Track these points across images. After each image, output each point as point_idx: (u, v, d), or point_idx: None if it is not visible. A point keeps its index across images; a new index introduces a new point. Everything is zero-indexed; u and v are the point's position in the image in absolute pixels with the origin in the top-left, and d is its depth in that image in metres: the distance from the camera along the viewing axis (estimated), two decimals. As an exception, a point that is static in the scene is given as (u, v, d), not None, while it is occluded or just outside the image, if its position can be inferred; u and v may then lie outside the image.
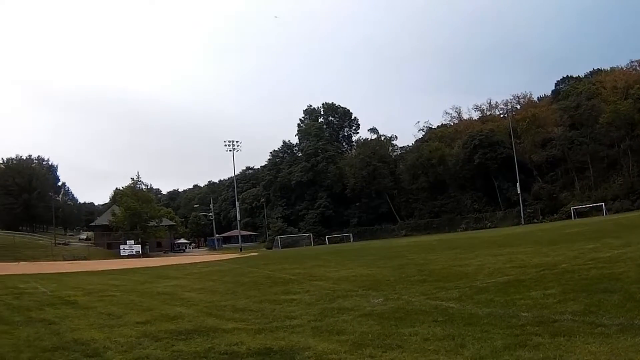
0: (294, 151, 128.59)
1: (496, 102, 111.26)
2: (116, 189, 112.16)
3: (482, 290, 11.55)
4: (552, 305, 8.84)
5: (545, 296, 9.73)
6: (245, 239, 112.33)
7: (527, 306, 8.94)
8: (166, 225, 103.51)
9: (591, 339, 6.39)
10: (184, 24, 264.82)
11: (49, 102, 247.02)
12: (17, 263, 57.49)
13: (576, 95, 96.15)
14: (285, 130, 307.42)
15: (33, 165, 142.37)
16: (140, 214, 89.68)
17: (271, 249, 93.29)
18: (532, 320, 7.75)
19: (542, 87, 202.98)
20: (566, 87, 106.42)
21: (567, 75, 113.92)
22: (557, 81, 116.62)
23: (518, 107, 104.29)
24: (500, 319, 8.10)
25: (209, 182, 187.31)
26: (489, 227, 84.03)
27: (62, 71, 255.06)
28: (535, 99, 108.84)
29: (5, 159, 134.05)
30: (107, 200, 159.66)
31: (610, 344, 6.11)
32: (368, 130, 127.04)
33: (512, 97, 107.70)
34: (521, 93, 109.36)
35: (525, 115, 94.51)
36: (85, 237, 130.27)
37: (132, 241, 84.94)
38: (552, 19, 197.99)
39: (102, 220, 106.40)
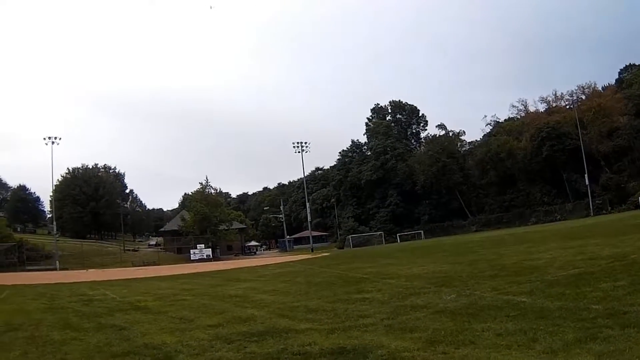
0: (363, 150, 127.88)
1: (561, 94, 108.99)
2: (185, 194, 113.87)
3: (553, 283, 11.56)
4: (622, 297, 8.82)
5: (615, 288, 9.72)
6: (316, 239, 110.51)
7: (597, 298, 8.94)
8: (236, 228, 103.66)
9: (661, 330, 6.32)
10: (252, 26, 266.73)
11: (115, 109, 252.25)
12: (85, 270, 58.48)
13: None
14: (354, 129, 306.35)
15: (99, 173, 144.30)
16: (209, 217, 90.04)
17: (342, 248, 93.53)
18: (603, 312, 7.77)
19: (606, 77, 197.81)
20: (630, 75, 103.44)
21: (630, 64, 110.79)
22: (621, 69, 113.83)
23: (583, 97, 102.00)
24: (571, 312, 8.12)
25: (278, 184, 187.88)
26: (559, 220, 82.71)
27: (128, 78, 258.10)
28: (600, 88, 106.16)
29: (71, 169, 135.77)
30: (176, 206, 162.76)
31: (681, 334, 6.05)
32: (436, 126, 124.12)
33: (576, 88, 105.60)
34: (585, 83, 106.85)
35: (591, 106, 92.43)
36: (154, 242, 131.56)
37: (203, 245, 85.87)
38: (613, 7, 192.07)
39: (172, 225, 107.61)
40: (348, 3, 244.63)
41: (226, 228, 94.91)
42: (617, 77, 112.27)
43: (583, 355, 5.78)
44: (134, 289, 24.18)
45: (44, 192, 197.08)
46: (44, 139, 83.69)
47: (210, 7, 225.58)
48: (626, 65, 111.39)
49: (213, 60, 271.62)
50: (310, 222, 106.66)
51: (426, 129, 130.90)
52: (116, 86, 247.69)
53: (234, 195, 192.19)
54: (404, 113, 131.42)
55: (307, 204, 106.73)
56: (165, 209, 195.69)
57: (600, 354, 5.73)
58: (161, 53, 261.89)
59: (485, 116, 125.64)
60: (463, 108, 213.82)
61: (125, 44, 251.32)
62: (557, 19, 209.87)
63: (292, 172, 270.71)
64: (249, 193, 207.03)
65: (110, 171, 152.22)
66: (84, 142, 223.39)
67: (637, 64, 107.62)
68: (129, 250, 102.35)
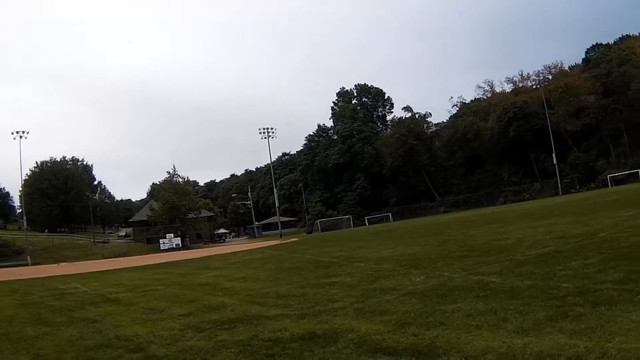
0: (329, 134, 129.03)
1: (528, 74, 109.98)
2: (153, 183, 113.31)
3: (523, 262, 11.58)
4: (593, 274, 8.84)
5: (586, 266, 9.76)
6: (285, 225, 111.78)
7: (567, 277, 8.96)
8: (205, 217, 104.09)
9: (632, 307, 6.39)
10: (220, 13, 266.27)
11: (81, 100, 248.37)
12: (57, 264, 58.15)
13: (607, 62, 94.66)
14: (320, 114, 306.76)
15: (68, 166, 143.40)
16: (178, 206, 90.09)
17: (311, 233, 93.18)
18: (573, 290, 7.78)
19: (572, 56, 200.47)
20: (596, 55, 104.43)
21: (597, 43, 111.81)
22: (587, 49, 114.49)
23: (550, 77, 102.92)
24: (541, 291, 8.14)
25: (246, 170, 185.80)
26: (527, 199, 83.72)
27: (93, 67, 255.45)
28: (567, 68, 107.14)
29: (39, 163, 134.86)
30: (144, 196, 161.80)
31: (652, 311, 6.09)
32: (402, 108, 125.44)
33: (543, 68, 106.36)
34: (552, 63, 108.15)
35: (558, 85, 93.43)
36: (124, 234, 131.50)
37: (172, 234, 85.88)
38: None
39: (141, 215, 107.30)
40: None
41: (195, 216, 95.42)
42: (584, 56, 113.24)
43: (554, 334, 5.78)
44: (105, 281, 23.95)
45: (14, 187, 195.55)
46: (12, 133, 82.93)
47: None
48: (593, 45, 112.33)
49: (179, 47, 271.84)
50: (279, 207, 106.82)
51: (392, 112, 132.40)
52: (82, 76, 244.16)
53: (201, 183, 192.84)
54: (369, 96, 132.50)
55: (275, 190, 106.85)
56: (133, 200, 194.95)
57: (571, 332, 5.75)
58: (128, 42, 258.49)
59: (452, 97, 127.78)
60: (430, 90, 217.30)
61: (91, 31, 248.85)
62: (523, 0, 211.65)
63: (259, 158, 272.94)
64: (217, 180, 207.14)
65: (79, 163, 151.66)
66: (52, 135, 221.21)
67: (604, 43, 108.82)
68: (99, 242, 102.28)
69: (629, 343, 5.17)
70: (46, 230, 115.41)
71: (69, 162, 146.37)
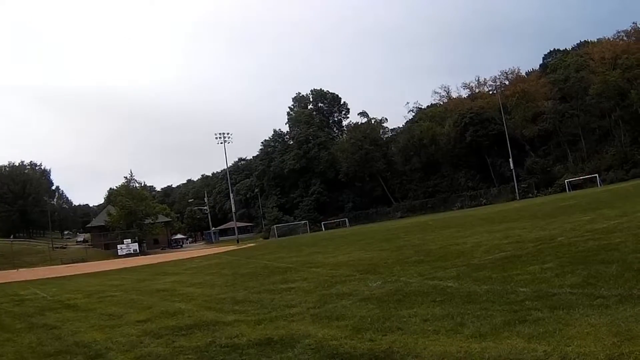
0: (285, 139, 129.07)
1: (484, 79, 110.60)
2: (110, 188, 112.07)
3: (480, 267, 11.63)
4: (551, 279, 8.91)
5: (543, 270, 9.81)
6: (242, 230, 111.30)
7: (525, 281, 8.99)
8: (162, 222, 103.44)
9: (590, 310, 6.42)
10: (170, 17, 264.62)
11: (37, 104, 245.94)
12: (16, 270, 57.30)
13: (564, 68, 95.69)
14: (276, 119, 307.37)
15: (26, 171, 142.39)
16: (135, 212, 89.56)
17: (268, 238, 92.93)
18: (531, 295, 7.82)
19: (529, 62, 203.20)
20: (554, 61, 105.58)
21: (555, 49, 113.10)
22: (545, 55, 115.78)
23: (507, 82, 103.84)
24: (498, 295, 8.15)
25: (202, 175, 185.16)
26: (484, 204, 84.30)
27: (50, 71, 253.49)
28: (524, 73, 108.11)
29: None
30: (101, 201, 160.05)
31: (610, 314, 6.14)
32: (358, 114, 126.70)
33: (500, 73, 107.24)
34: (509, 68, 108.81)
35: (515, 91, 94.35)
36: (82, 239, 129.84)
37: (129, 240, 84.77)
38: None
39: (98, 221, 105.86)
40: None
41: (152, 222, 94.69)
42: (541, 62, 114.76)
43: (512, 338, 5.79)
44: (64, 287, 23.89)
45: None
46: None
47: None
48: (550, 51, 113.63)
49: (135, 53, 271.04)
50: (235, 212, 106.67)
51: (348, 117, 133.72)
52: (39, 80, 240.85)
53: (158, 189, 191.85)
54: (325, 101, 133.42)
55: (231, 195, 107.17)
56: (91, 205, 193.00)
57: (529, 337, 5.76)
58: (83, 46, 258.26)
59: (408, 103, 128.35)
60: (386, 96, 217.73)
61: (48, 33, 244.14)
62: (480, 5, 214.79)
63: (215, 163, 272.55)
64: (173, 186, 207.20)
65: (37, 168, 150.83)
66: (10, 139, 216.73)
67: (561, 49, 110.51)
68: (57, 247, 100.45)
69: (588, 347, 5.19)
70: (12, 237, 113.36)
71: (27, 167, 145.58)
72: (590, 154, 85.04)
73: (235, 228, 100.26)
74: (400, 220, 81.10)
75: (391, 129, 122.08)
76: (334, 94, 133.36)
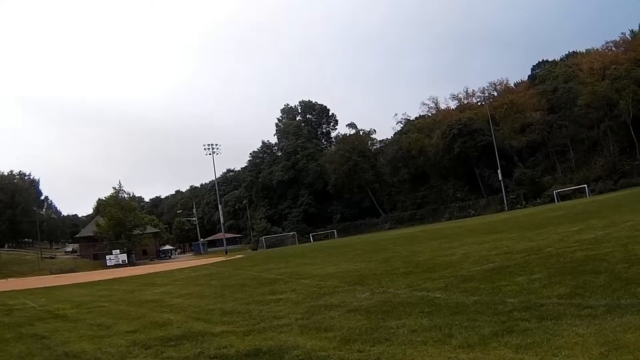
0: (274, 151, 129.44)
1: (473, 90, 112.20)
2: (99, 199, 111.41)
3: (468, 278, 11.64)
4: (538, 289, 8.91)
5: (531, 281, 9.83)
6: (230, 241, 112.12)
7: (513, 292, 9.00)
8: (151, 233, 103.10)
9: (578, 321, 6.44)
10: (162, 31, 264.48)
11: (26, 113, 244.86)
12: (4, 280, 57.05)
13: (553, 78, 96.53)
14: (264, 130, 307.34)
15: (15, 180, 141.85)
16: (124, 222, 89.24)
17: (256, 250, 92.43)
18: (519, 305, 7.81)
19: (518, 73, 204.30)
20: (542, 72, 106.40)
21: (543, 60, 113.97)
22: (533, 66, 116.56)
23: (495, 94, 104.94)
24: (486, 306, 8.15)
25: (190, 186, 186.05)
26: (473, 215, 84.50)
27: (39, 81, 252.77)
28: (512, 84, 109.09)
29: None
30: (90, 212, 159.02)
31: (598, 324, 6.16)
32: (346, 125, 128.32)
33: (488, 84, 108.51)
34: (497, 80, 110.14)
35: (503, 102, 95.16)
36: (71, 249, 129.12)
37: (118, 251, 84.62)
38: (524, 3, 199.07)
39: (87, 231, 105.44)
40: (259, 4, 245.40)
41: (140, 232, 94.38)
42: (530, 73, 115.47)
43: (500, 349, 5.79)
44: (53, 297, 23.83)
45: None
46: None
47: None
48: (539, 62, 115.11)
49: (125, 64, 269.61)
50: (224, 224, 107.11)
51: (336, 129, 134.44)
52: (29, 90, 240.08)
53: (147, 199, 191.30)
54: (314, 113, 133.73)
55: (220, 206, 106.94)
56: (80, 215, 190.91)
57: (517, 347, 5.76)
58: (72, 56, 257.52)
59: (396, 114, 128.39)
60: (374, 107, 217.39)
61: (36, 45, 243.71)
62: (468, 16, 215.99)
63: (204, 174, 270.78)
64: (162, 196, 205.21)
65: (26, 178, 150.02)
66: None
67: (550, 60, 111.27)
68: (46, 257, 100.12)
69: (576, 357, 5.20)
70: (6, 245, 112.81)
71: (16, 177, 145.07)
72: (579, 164, 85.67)
73: (224, 239, 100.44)
74: (389, 231, 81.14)
75: (380, 141, 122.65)
76: (323, 105, 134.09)
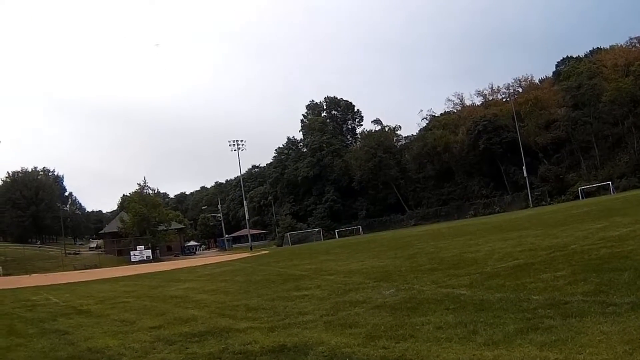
0: (299, 147, 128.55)
1: (498, 87, 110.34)
2: (123, 195, 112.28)
3: (493, 275, 11.56)
4: (563, 287, 8.84)
5: (556, 278, 9.73)
6: (255, 237, 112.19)
7: (538, 289, 8.94)
8: (175, 229, 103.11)
9: (603, 318, 6.39)
10: (189, 28, 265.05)
11: (53, 110, 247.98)
12: (28, 275, 57.40)
13: (577, 75, 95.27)
14: (290, 126, 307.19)
15: (39, 177, 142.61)
16: (148, 218, 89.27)
17: (281, 246, 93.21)
18: (544, 303, 7.77)
19: (542, 69, 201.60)
20: (567, 68, 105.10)
21: (567, 56, 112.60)
22: (558, 62, 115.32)
23: (520, 90, 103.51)
24: (511, 303, 8.10)
25: (215, 182, 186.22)
26: (498, 212, 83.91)
27: (64, 80, 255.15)
28: (537, 81, 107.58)
29: (10, 172, 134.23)
30: (115, 208, 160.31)
31: (622, 322, 6.11)
32: (372, 121, 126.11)
33: (513, 81, 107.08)
34: (522, 76, 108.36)
35: (528, 98, 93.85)
36: (95, 245, 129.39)
37: (142, 246, 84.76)
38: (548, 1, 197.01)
39: (111, 227, 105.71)
40: (285, 5, 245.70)
41: (165, 228, 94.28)
42: (554, 69, 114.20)
43: (525, 346, 5.78)
44: (76, 293, 23.83)
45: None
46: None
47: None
48: (563, 58, 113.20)
49: (151, 62, 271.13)
50: (249, 220, 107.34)
51: (362, 125, 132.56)
52: (53, 87, 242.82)
53: (172, 195, 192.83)
54: (339, 109, 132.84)
55: (245, 202, 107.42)
56: (104, 211, 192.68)
57: (542, 344, 5.74)
58: (100, 54, 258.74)
59: (421, 110, 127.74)
60: (400, 103, 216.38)
61: (61, 41, 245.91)
62: (493, 12, 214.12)
63: (229, 170, 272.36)
64: (187, 193, 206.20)
65: (50, 174, 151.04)
66: (23, 145, 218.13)
67: (574, 56, 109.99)
68: (70, 253, 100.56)
69: (600, 355, 5.18)
70: (39, 242, 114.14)
71: (40, 173, 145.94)
72: (603, 161, 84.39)
73: (249, 235, 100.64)
74: (414, 228, 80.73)
75: (405, 137, 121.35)
76: (348, 101, 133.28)
